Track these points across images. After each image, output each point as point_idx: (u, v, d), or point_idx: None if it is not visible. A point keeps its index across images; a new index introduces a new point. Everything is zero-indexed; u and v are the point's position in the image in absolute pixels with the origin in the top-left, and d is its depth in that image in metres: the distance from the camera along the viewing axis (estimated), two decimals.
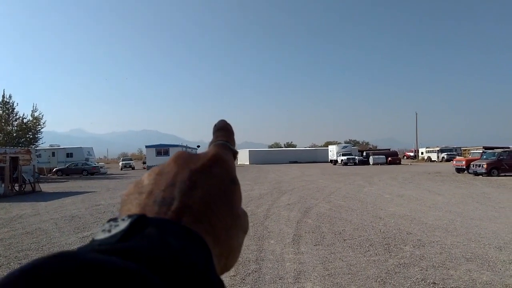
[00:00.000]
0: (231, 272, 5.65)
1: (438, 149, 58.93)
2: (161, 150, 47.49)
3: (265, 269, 5.76)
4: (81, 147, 44.89)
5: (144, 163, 51.52)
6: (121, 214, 0.41)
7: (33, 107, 36.64)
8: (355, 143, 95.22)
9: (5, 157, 22.91)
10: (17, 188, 19.99)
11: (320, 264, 5.96)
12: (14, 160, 22.49)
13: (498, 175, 24.77)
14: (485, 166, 25.12)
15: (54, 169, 38.38)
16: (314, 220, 9.84)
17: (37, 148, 39.21)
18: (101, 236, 0.32)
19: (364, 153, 54.92)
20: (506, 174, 24.96)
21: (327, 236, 7.95)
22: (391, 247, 6.98)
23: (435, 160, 57.42)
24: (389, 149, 63.32)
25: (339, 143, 67.92)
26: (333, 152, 55.18)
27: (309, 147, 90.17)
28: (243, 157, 68.65)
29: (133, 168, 49.52)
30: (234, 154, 0.49)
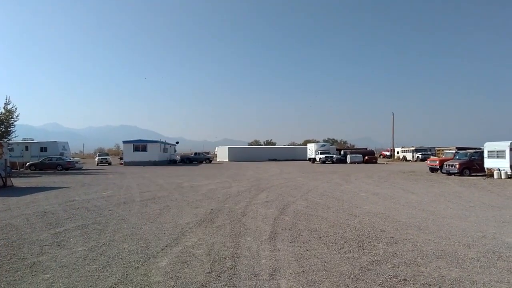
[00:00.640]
0: (206, 268, 5.64)
1: (413, 149, 60.24)
2: (139, 145, 46.82)
3: (240, 266, 5.76)
4: (55, 142, 43.73)
5: (121, 158, 50.64)
6: None
7: (6, 99, 35.36)
8: (333, 141, 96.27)
9: None
10: None
11: (295, 261, 6.01)
12: None
13: (469, 175, 25.54)
14: (457, 166, 25.85)
15: (27, 164, 37.26)
16: (291, 218, 9.91)
17: (10, 141, 37.97)
18: None
19: (342, 152, 55.65)
20: (477, 174, 25.76)
21: (303, 233, 8.02)
22: (365, 244, 7.10)
23: (410, 160, 58.68)
24: (366, 148, 64.42)
25: (317, 142, 68.56)
26: (311, 150, 55.66)
27: (288, 145, 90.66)
28: (222, 154, 68.43)
29: (109, 164, 48.64)
30: None
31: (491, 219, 9.67)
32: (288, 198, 13.87)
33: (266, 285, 5.00)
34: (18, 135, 38.61)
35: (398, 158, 63.57)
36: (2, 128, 34.44)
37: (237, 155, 65.03)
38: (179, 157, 55.90)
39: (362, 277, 5.28)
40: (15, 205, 12.64)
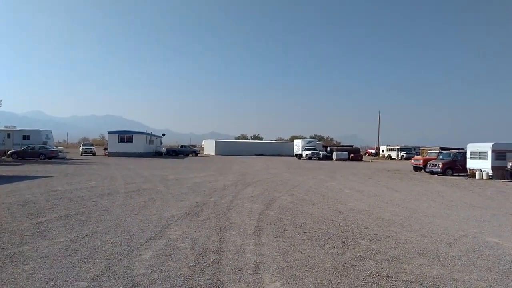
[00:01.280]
0: (191, 262, 5.61)
1: (398, 147, 61.00)
2: (124, 136, 46.22)
3: (225, 260, 5.75)
4: (39, 130, 42.89)
5: (106, 149, 49.98)
6: None
7: None
8: (320, 138, 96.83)
9: None
10: None
11: (280, 256, 6.03)
12: None
13: (452, 175, 26.02)
14: (440, 166, 26.31)
15: (9, 152, 36.50)
16: (276, 213, 9.94)
17: None
18: None
19: (328, 149, 55.97)
20: (460, 174, 26.26)
21: (288, 229, 8.05)
22: (349, 240, 7.17)
23: (394, 158, 59.42)
24: (352, 146, 64.91)
25: (304, 138, 68.89)
26: (298, 146, 55.86)
27: (275, 140, 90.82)
28: (209, 147, 68.17)
29: (94, 154, 47.95)
30: None
31: (472, 218, 9.87)
32: (273, 193, 13.91)
33: (250, 280, 5.00)
34: None
35: (383, 156, 64.31)
36: None
37: (223, 149, 64.87)
38: (165, 149, 55.44)
39: (346, 273, 5.32)
40: None
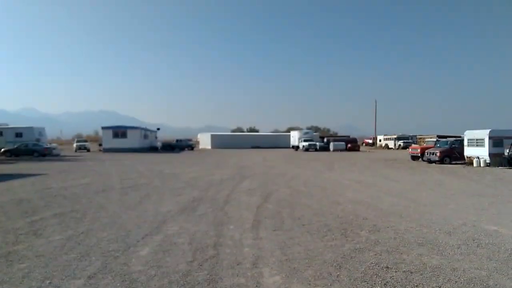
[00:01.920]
0: (188, 257, 5.53)
1: (395, 137, 60.98)
2: (119, 132, 45.95)
3: (223, 255, 5.67)
4: (31, 127, 42.52)
5: (100, 145, 49.67)
6: None
7: None
8: (316, 129, 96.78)
9: None
10: None
11: (279, 249, 5.95)
12: None
13: (450, 163, 26.04)
14: (438, 154, 26.30)
15: (2, 150, 36.15)
16: (274, 206, 9.86)
17: None
18: None
19: (325, 140, 55.91)
20: (457, 162, 26.29)
21: (286, 222, 7.98)
22: (348, 232, 7.11)
23: (392, 148, 59.46)
24: (348, 136, 64.90)
25: (301, 129, 68.79)
26: (295, 138, 55.76)
27: (271, 132, 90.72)
28: (205, 141, 67.97)
29: (88, 150, 47.62)
30: None
31: (471, 206, 9.84)
32: (271, 186, 13.83)
33: (249, 274, 4.92)
34: None
35: (381, 146, 64.36)
36: None
37: (220, 142, 64.67)
38: (161, 144, 55.17)
39: (345, 265, 5.26)
40: None
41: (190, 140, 66.50)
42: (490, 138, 23.90)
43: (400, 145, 57.39)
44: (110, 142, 45.34)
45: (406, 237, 6.70)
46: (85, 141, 53.76)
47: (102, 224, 7.75)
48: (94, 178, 16.48)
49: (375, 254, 5.73)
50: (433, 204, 10.17)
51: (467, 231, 7.13)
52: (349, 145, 51.72)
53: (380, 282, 4.69)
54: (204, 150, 57.18)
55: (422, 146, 32.24)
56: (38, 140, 39.88)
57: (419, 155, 29.45)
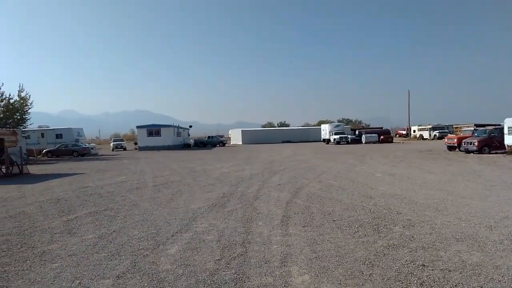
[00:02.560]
0: (216, 255, 5.49)
1: (430, 127, 58.94)
2: (153, 130, 46.99)
3: (251, 253, 5.60)
4: (70, 128, 44.26)
5: (135, 143, 51.04)
6: None
7: (20, 87, 35.64)
8: (347, 121, 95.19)
9: None
10: (4, 170, 19.61)
11: (308, 246, 5.81)
12: (0, 142, 21.98)
13: (489, 153, 24.81)
14: (476, 143, 25.13)
15: (44, 151, 37.87)
16: (304, 201, 9.70)
17: (26, 129, 38.52)
18: None
19: (357, 132, 54.88)
20: (497, 151, 25.02)
21: (316, 217, 7.81)
22: (381, 227, 6.85)
23: (427, 138, 57.51)
24: (381, 128, 63.38)
25: (332, 122, 67.77)
26: (325, 131, 55.01)
27: (302, 126, 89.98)
28: (236, 137, 68.39)
29: (124, 149, 49.09)
30: None
31: None
32: (301, 181, 13.65)
33: (277, 273, 4.82)
34: (33, 123, 39.16)
35: (415, 137, 62.38)
36: (17, 115, 34.85)
37: (250, 138, 64.86)
38: (193, 141, 56.01)
39: (378, 263, 5.05)
40: (30, 192, 12.76)
41: (221, 136, 67.17)
42: None
43: (435, 135, 55.41)
44: (145, 140, 46.48)
45: (443, 232, 6.37)
46: (122, 140, 55.52)
47: (134, 221, 7.88)
48: (128, 176, 16.89)
49: (410, 251, 5.47)
50: (472, 197, 9.66)
51: (510, 225, 6.70)
52: (381, 137, 50.49)
53: (415, 281, 4.46)
54: (235, 146, 57.53)
55: (459, 136, 30.94)
56: (77, 140, 41.48)
57: (456, 145, 28.26)
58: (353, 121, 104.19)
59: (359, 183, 12.83)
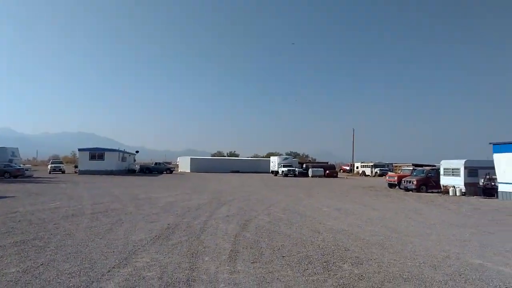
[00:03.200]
0: None
1: (372, 164, 61.69)
2: (96, 154, 44.71)
3: None
4: (4, 147, 40.93)
5: (76, 166, 48.13)
6: None
7: None
8: (295, 155, 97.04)
9: None
10: None
11: (257, 285, 5.51)
12: None
13: (426, 191, 26.21)
14: (415, 182, 26.49)
15: None
16: (253, 234, 9.42)
17: None
18: None
19: (304, 165, 55.98)
20: (433, 190, 26.49)
21: (265, 252, 7.55)
22: (330, 265, 6.73)
23: (369, 175, 59.99)
24: (327, 162, 65.22)
25: (280, 155, 68.74)
26: (274, 163, 55.61)
27: (251, 157, 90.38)
28: (184, 165, 66.93)
29: (63, 172, 46.01)
30: None
31: (452, 238, 9.65)
32: (250, 213, 13.39)
33: None
34: None
35: (358, 173, 64.87)
36: None
37: (199, 166, 63.79)
38: (139, 167, 53.91)
39: None
40: None
41: (169, 163, 65.39)
42: (465, 168, 24.28)
43: (376, 172, 58.01)
44: (87, 164, 44.01)
45: (391, 271, 6.37)
46: (61, 162, 51.98)
47: (65, 254, 7.14)
48: (64, 202, 15.65)
49: None
50: (415, 235, 9.94)
51: (452, 265, 6.87)
52: (327, 171, 51.89)
53: None
54: (183, 173, 56.19)
55: (399, 174, 32.50)
56: (10, 160, 38.34)
57: (396, 183, 29.63)
58: (301, 154, 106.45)
59: (307, 217, 12.82)
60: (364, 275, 6.12)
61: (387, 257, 7.40)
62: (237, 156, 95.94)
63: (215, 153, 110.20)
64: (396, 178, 30.59)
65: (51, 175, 40.87)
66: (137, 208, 14.19)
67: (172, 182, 32.13)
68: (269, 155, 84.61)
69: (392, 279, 5.93)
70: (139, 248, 7.66)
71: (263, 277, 5.92)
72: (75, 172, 45.60)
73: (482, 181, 23.30)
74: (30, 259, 6.71)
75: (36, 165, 68.99)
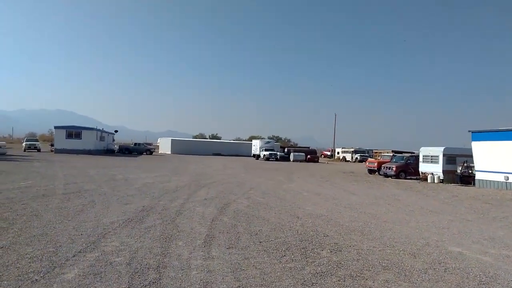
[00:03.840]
0: (123, 283, 4.69)
1: (352, 150, 62.20)
2: (73, 132, 43.46)
3: (165, 280, 4.87)
4: None
5: (52, 145, 46.79)
6: None
7: None
8: (277, 139, 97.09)
9: None
10: None
11: (231, 273, 5.23)
12: None
13: (405, 178, 26.50)
14: (394, 169, 26.72)
15: None
16: (231, 218, 9.15)
17: None
18: None
19: (286, 150, 55.98)
20: (412, 177, 26.79)
21: (242, 237, 7.29)
22: (308, 251, 6.52)
23: (349, 160, 60.52)
24: (308, 147, 65.45)
25: (262, 138, 68.59)
26: (256, 146, 55.40)
27: (233, 140, 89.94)
28: (165, 146, 66.06)
29: (38, 150, 44.66)
30: None
31: (431, 224, 9.61)
32: (229, 196, 13.11)
33: None
34: None
35: (338, 158, 65.38)
36: None
37: (180, 148, 63.02)
38: (118, 147, 52.83)
39: None
40: None
41: (149, 144, 64.41)
42: (444, 155, 24.52)
43: (357, 158, 58.54)
44: (63, 142, 42.76)
45: (370, 259, 6.20)
46: (36, 140, 50.40)
47: (29, 236, 6.70)
48: (36, 181, 15.02)
49: (339, 280, 5.16)
50: (394, 221, 9.85)
51: (431, 253, 6.76)
52: (308, 156, 52.04)
53: None
54: (163, 155, 55.42)
55: (379, 160, 32.75)
56: None
57: (376, 169, 29.87)
58: (283, 139, 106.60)
59: (286, 201, 12.63)
60: (342, 263, 5.92)
61: (366, 244, 7.25)
62: (219, 139, 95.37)
63: (197, 135, 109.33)
64: (376, 164, 30.83)
65: (25, 153, 39.58)
66: (112, 189, 13.71)
67: (152, 164, 31.55)
68: (251, 138, 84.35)
69: (371, 267, 5.76)
70: (109, 232, 7.27)
71: (239, 263, 5.65)
72: (51, 151, 44.36)
73: (460, 168, 23.63)
74: None
75: (11, 143, 66.89)
